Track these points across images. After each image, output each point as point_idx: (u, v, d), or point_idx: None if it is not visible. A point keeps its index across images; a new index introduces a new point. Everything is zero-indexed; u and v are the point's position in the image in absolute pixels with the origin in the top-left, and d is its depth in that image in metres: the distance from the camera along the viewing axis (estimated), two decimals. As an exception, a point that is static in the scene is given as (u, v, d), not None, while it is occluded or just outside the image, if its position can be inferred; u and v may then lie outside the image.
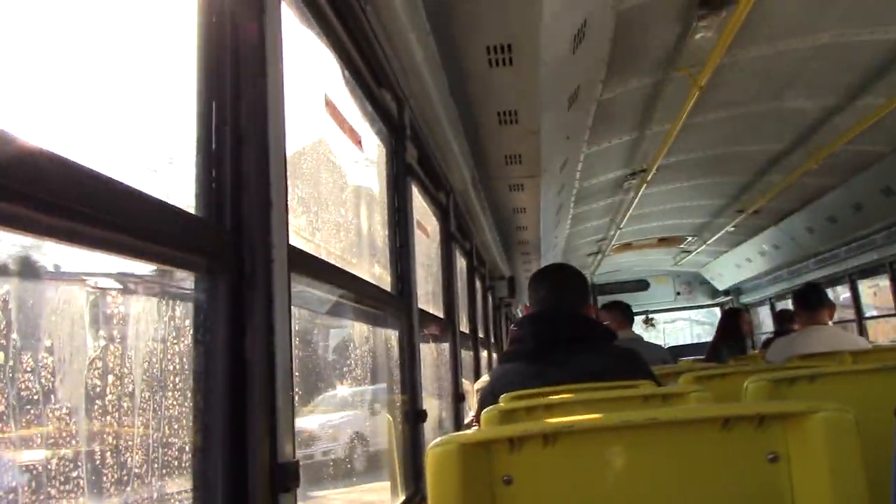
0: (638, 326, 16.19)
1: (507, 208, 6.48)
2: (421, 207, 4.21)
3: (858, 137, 7.04)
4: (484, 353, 6.46)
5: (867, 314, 10.89)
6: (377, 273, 3.10)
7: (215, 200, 1.37)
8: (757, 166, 8.69)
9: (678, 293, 15.99)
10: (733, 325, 8.09)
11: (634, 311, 16.08)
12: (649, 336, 16.57)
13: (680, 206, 10.68)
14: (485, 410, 2.62)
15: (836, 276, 10.96)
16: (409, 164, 3.08)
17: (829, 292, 11.98)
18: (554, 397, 2.79)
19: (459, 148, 4.18)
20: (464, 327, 5.80)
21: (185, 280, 1.35)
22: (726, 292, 15.45)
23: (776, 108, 6.89)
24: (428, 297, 4.47)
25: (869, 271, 10.31)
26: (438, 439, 1.60)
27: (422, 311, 3.24)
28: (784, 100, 6.69)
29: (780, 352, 5.58)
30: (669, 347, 13.41)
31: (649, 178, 8.02)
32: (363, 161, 3.08)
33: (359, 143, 2.84)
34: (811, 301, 5.82)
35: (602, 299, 14.48)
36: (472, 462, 1.63)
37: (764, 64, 5.85)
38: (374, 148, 3.19)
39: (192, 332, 1.38)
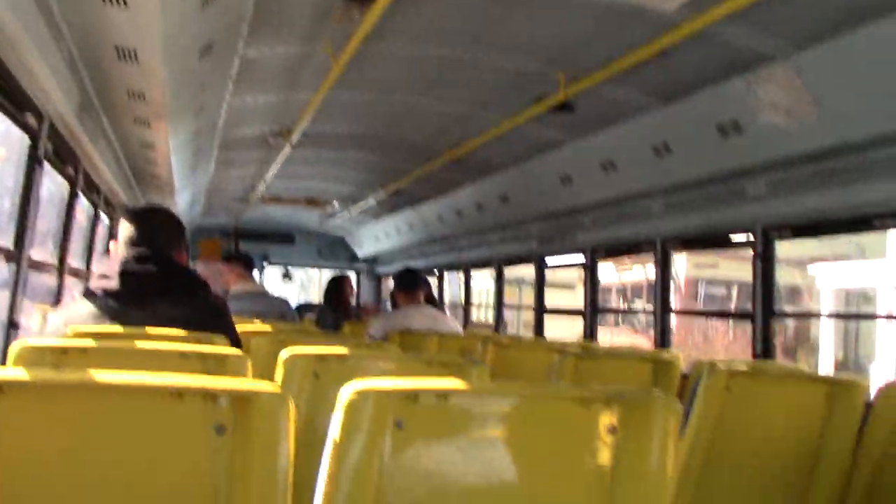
0: (277, 278, 16.41)
1: (133, 141, 6.33)
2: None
3: (484, 147, 7.75)
4: (76, 283, 6.25)
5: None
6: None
7: None
8: (398, 152, 9.20)
9: (320, 252, 16.47)
10: (336, 292, 8.59)
11: (277, 261, 16.28)
12: (288, 289, 16.89)
13: (326, 173, 10.99)
14: (18, 345, 2.58)
15: (456, 264, 12.02)
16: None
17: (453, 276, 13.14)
18: (103, 343, 2.81)
19: (55, 71, 4.00)
20: (50, 255, 5.59)
21: None
22: (366, 259, 16.20)
23: (417, 104, 7.35)
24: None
25: (481, 264, 11.46)
26: None
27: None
28: (424, 97, 7.17)
29: (381, 326, 6.07)
30: (301, 305, 13.76)
31: (294, 141, 8.17)
32: None
33: None
34: (408, 283, 6.40)
35: (244, 244, 14.53)
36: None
37: (407, 62, 6.22)
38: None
39: None
